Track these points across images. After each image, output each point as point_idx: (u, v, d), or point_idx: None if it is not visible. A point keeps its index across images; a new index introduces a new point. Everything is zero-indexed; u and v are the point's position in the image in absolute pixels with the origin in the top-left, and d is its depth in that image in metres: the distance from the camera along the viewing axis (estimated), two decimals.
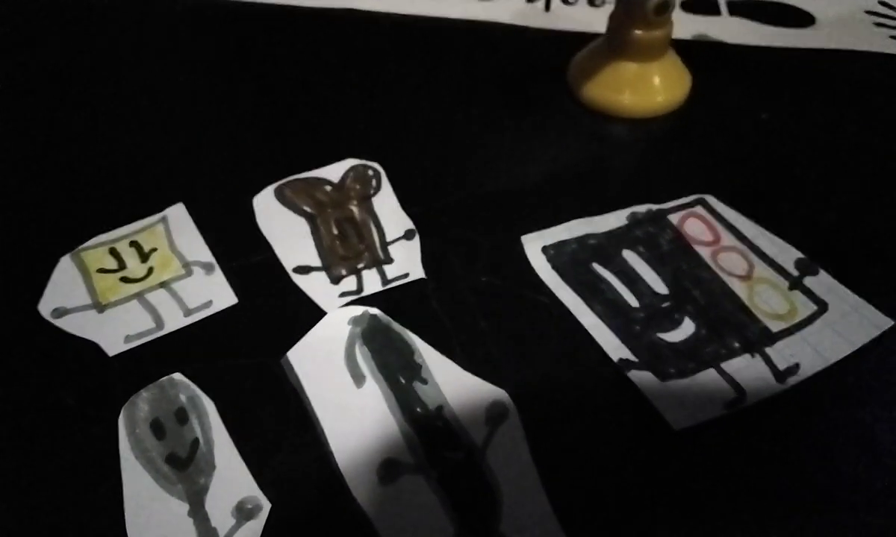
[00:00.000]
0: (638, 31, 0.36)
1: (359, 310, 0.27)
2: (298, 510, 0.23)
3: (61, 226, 0.32)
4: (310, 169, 0.34)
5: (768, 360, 0.26)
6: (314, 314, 0.28)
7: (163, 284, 0.30)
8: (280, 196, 0.33)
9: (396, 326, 0.27)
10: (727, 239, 0.31)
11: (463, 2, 0.47)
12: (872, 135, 0.36)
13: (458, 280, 0.30)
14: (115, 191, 0.34)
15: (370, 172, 0.34)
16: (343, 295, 0.29)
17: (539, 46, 0.43)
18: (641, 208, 0.32)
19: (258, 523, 0.22)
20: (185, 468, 0.24)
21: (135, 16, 0.48)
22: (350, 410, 0.25)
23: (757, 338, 0.27)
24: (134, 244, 0.31)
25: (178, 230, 0.32)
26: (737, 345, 0.27)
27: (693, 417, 0.24)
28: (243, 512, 0.23)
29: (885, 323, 0.27)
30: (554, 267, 0.30)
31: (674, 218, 0.32)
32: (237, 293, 0.29)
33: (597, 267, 0.30)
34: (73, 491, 0.23)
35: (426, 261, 0.30)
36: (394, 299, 0.29)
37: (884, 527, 0.22)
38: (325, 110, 0.39)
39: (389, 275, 0.30)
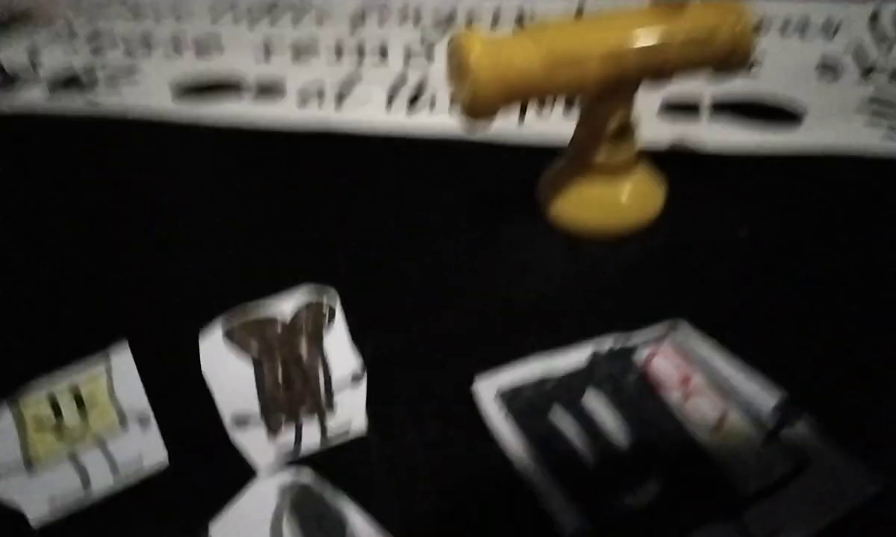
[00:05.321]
0: (600, 153, 0.34)
1: (289, 476, 0.25)
2: None
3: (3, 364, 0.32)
4: (265, 294, 0.33)
5: (742, 531, 0.23)
6: (247, 474, 0.26)
7: (97, 440, 0.28)
8: (228, 338, 0.32)
9: (329, 493, 0.25)
10: (698, 379, 0.28)
11: (435, 117, 0.47)
12: (865, 251, 0.34)
13: (403, 432, 0.28)
14: (60, 322, 0.34)
15: (324, 309, 0.33)
16: (279, 452, 0.27)
17: (511, 162, 0.42)
18: (605, 344, 0.30)
19: None
20: None
21: (78, 138, 0.49)
22: None
23: (728, 502, 0.24)
24: (74, 392, 0.30)
25: (119, 376, 0.30)
26: (708, 509, 0.24)
27: None
28: None
29: (873, 486, 0.24)
30: (508, 415, 0.28)
31: (641, 354, 0.29)
32: (170, 449, 0.28)
33: (554, 415, 0.27)
34: None
35: (372, 409, 0.28)
36: (333, 455, 0.27)
37: None
38: (285, 230, 0.39)
39: (330, 428, 0.28)
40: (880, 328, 0.30)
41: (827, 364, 0.29)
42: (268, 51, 0.59)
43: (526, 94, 0.32)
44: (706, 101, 0.45)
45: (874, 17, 0.54)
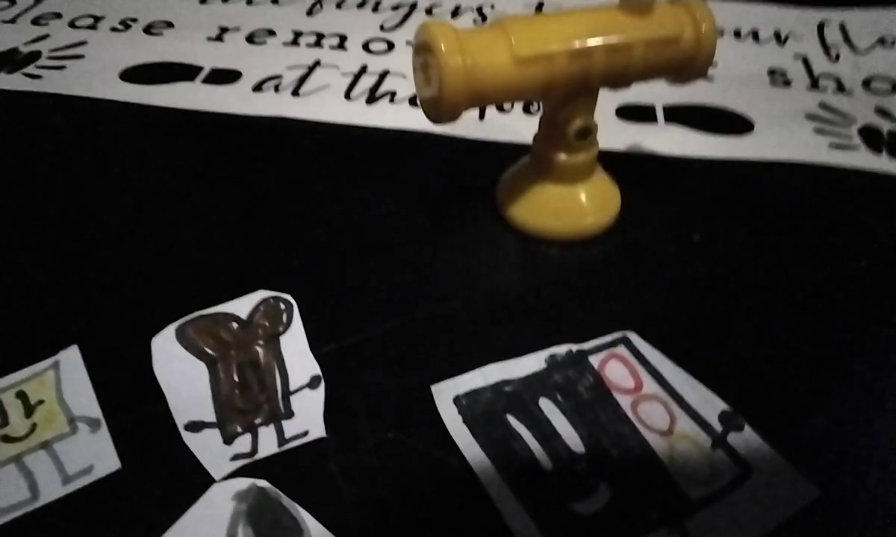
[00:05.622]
0: (561, 155, 0.35)
1: (245, 483, 0.25)
2: None
3: None
4: (220, 301, 0.33)
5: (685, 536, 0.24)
6: (202, 480, 0.26)
7: (44, 444, 0.27)
8: (181, 336, 0.31)
9: (286, 501, 0.25)
10: (649, 386, 0.29)
11: (395, 110, 0.47)
12: (811, 259, 0.35)
13: (362, 437, 0.28)
14: (11, 325, 0.33)
15: (281, 306, 0.32)
16: (235, 458, 0.27)
17: (471, 159, 0.42)
18: (561, 349, 0.30)
19: None
20: None
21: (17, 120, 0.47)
22: None
23: (675, 509, 0.25)
24: (21, 395, 0.29)
25: (68, 379, 0.30)
26: (654, 516, 0.25)
27: None
28: None
29: (811, 493, 0.25)
30: (465, 419, 0.28)
31: (595, 360, 0.30)
32: (122, 455, 0.27)
33: (511, 419, 0.28)
34: None
35: (330, 413, 0.28)
36: (290, 462, 0.27)
37: None
38: (238, 228, 0.38)
39: (288, 433, 0.28)
40: (824, 337, 0.31)
41: (771, 372, 0.30)
42: (221, 32, 0.57)
43: (495, 93, 0.31)
44: (661, 108, 0.46)
45: (821, 28, 0.56)
